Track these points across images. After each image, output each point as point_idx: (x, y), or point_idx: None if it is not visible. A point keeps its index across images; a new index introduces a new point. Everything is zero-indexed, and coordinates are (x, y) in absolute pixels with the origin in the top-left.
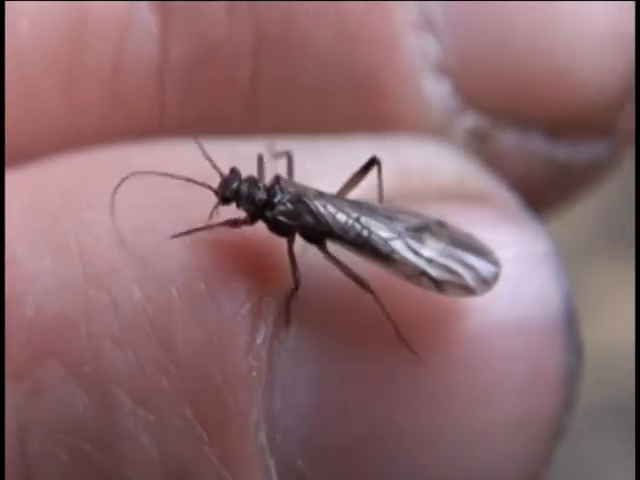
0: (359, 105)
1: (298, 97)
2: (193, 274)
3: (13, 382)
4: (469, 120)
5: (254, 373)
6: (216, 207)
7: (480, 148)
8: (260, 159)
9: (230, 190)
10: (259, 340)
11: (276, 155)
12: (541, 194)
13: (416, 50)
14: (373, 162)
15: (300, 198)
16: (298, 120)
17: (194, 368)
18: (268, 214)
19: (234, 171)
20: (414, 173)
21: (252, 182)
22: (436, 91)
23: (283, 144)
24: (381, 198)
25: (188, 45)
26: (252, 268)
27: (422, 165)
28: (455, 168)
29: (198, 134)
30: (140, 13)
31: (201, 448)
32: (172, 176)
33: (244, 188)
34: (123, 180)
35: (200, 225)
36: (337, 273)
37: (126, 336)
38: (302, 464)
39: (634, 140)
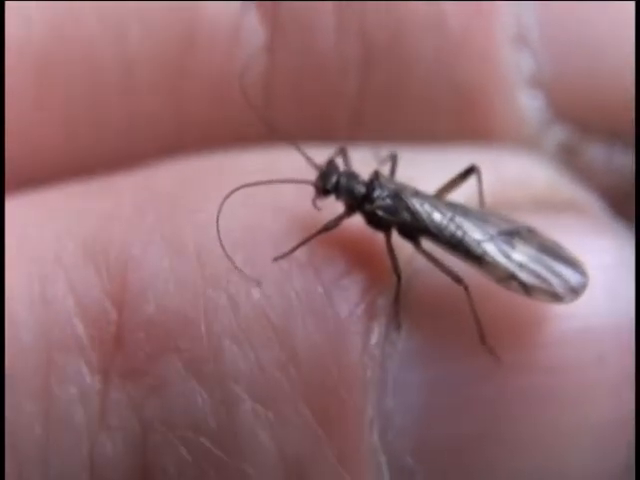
0: (458, 115)
1: (402, 107)
2: (309, 274)
3: (130, 379)
4: (560, 133)
5: (369, 373)
6: (316, 199)
7: (569, 161)
8: (343, 150)
9: (330, 183)
10: (373, 340)
11: (382, 160)
12: (622, 205)
13: (512, 64)
14: (472, 170)
15: (398, 195)
16: (401, 129)
17: (312, 367)
18: (367, 207)
19: (332, 163)
20: (510, 183)
21: (351, 175)
22: (530, 104)
23: (388, 150)
24: (482, 204)
25: (296, 55)
26: (363, 267)
27: (518, 175)
28: (548, 179)
29: (304, 141)
30: (248, 23)
31: (318, 445)
32: (273, 182)
33: (344, 180)
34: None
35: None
36: (443, 277)
37: (246, 335)
38: (412, 462)
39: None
